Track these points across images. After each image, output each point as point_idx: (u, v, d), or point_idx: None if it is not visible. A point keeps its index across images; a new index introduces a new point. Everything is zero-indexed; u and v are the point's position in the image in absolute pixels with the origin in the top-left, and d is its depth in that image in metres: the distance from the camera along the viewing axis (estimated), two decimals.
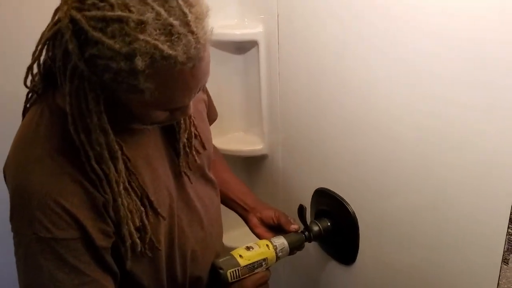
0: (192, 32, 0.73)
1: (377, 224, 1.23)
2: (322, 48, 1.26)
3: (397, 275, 1.21)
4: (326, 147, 1.34)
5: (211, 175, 1.17)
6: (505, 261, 0.92)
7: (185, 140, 1.04)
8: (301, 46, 1.35)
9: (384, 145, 1.13)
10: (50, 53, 0.81)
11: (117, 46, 0.70)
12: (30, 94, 0.91)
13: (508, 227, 0.89)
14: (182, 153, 1.04)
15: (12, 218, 0.86)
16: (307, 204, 1.41)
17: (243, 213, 1.32)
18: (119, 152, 0.85)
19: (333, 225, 1.32)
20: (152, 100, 0.78)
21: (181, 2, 0.73)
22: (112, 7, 0.70)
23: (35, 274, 0.86)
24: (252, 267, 1.12)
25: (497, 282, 0.94)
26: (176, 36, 0.72)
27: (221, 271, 1.09)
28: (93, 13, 0.71)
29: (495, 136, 0.88)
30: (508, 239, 0.90)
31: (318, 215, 1.39)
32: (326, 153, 1.35)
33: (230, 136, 1.78)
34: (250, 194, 1.35)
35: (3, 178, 0.91)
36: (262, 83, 1.58)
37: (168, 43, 0.72)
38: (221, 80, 1.65)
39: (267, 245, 1.18)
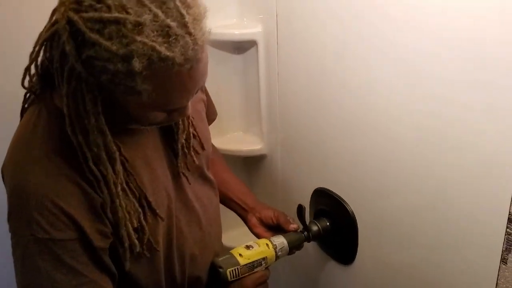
0: (190, 34, 0.73)
1: (376, 224, 1.23)
2: (321, 48, 1.26)
3: (396, 275, 1.21)
4: (325, 147, 1.34)
5: (209, 175, 1.17)
6: (503, 261, 0.92)
7: (183, 140, 1.04)
8: (300, 46, 1.35)
9: (383, 145, 1.13)
10: (47, 54, 0.81)
11: (114, 47, 0.70)
12: (28, 95, 0.91)
13: (507, 227, 0.89)
14: (180, 153, 1.04)
15: (9, 219, 0.86)
16: (306, 204, 1.41)
17: (242, 213, 1.32)
18: (117, 153, 0.85)
19: (332, 225, 1.32)
20: (150, 102, 0.77)
21: (178, 4, 0.73)
22: (109, 8, 0.70)
23: (33, 275, 0.86)
24: (251, 266, 1.12)
25: (495, 282, 0.94)
26: (173, 37, 0.72)
27: (220, 270, 1.09)
28: (90, 14, 0.70)
29: (495, 136, 0.88)
30: (506, 239, 0.90)
31: (317, 215, 1.39)
32: (325, 153, 1.35)
33: (229, 136, 1.78)
34: (249, 194, 1.35)
35: (1, 178, 0.91)
36: (261, 83, 1.58)
37: (165, 45, 0.71)
38: (220, 80, 1.65)
39: (266, 244, 1.18)
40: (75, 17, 0.71)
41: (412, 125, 1.04)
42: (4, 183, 0.89)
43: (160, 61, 0.72)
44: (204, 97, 1.18)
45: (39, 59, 0.83)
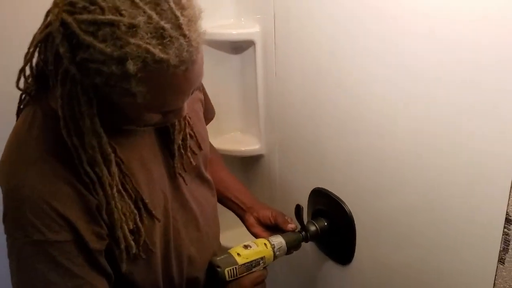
0: (184, 35, 0.73)
1: (374, 224, 1.23)
2: (319, 48, 1.26)
3: (394, 275, 1.21)
4: (323, 147, 1.34)
5: (207, 175, 1.17)
6: (501, 261, 0.92)
7: (180, 141, 1.03)
8: (297, 46, 1.35)
9: (380, 145, 1.13)
10: (42, 56, 0.81)
11: (108, 50, 0.70)
12: (23, 96, 0.90)
13: (504, 227, 0.89)
14: (177, 154, 1.03)
15: (5, 220, 0.86)
16: (304, 204, 1.41)
17: (240, 212, 1.32)
18: (112, 155, 0.85)
19: (330, 225, 1.32)
20: (145, 103, 0.77)
21: (172, 5, 0.72)
22: (103, 10, 0.69)
23: (28, 276, 0.85)
24: (249, 265, 1.12)
25: (493, 282, 0.94)
26: (168, 39, 0.71)
27: (218, 269, 1.09)
28: (84, 16, 0.70)
29: (492, 137, 0.88)
30: (504, 239, 0.90)
31: (315, 215, 1.39)
32: (322, 153, 1.35)
33: (227, 136, 1.78)
34: (247, 194, 1.34)
35: None
36: (259, 83, 1.58)
37: (160, 47, 0.71)
38: (217, 80, 1.65)
39: (265, 244, 1.18)
40: (69, 19, 0.70)
41: (408, 125, 1.04)
42: None
43: (154, 63, 0.71)
44: (202, 96, 1.18)
45: (34, 60, 0.83)
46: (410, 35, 0.98)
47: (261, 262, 1.15)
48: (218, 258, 1.11)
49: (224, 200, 1.32)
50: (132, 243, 0.91)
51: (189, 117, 1.06)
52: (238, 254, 1.12)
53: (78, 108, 0.78)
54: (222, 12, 1.61)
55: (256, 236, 1.27)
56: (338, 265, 1.40)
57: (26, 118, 0.87)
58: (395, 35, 1.01)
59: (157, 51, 0.71)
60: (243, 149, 1.72)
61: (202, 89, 1.19)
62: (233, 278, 1.10)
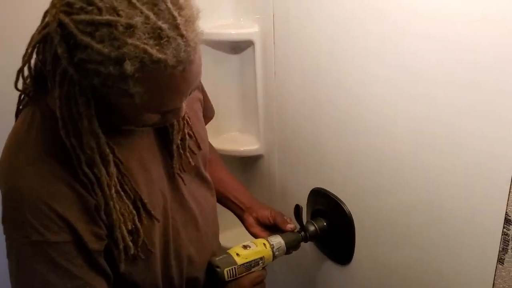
0: (182, 35, 0.72)
1: (373, 224, 1.23)
2: (318, 48, 1.26)
3: (393, 275, 1.21)
4: (322, 147, 1.34)
5: (206, 174, 1.17)
6: (500, 261, 0.92)
7: (178, 141, 1.03)
8: (296, 46, 1.35)
9: (379, 145, 1.13)
10: (40, 56, 0.80)
11: (106, 50, 0.69)
12: (22, 96, 0.90)
13: (503, 227, 0.89)
14: (175, 154, 1.03)
15: (4, 221, 0.86)
16: (303, 204, 1.41)
17: (239, 212, 1.32)
18: (111, 156, 0.85)
19: (329, 225, 1.32)
20: (143, 104, 0.77)
21: (170, 5, 0.72)
22: (100, 11, 0.69)
23: (27, 277, 0.85)
24: (249, 265, 1.12)
25: (492, 282, 0.94)
26: (165, 39, 0.71)
27: (218, 269, 1.09)
28: (82, 17, 0.70)
29: (491, 137, 0.88)
30: (503, 239, 0.90)
31: (314, 215, 1.39)
32: (322, 153, 1.35)
33: (226, 136, 1.78)
34: (246, 193, 1.34)
35: None
36: (258, 83, 1.58)
37: (157, 47, 0.71)
38: (217, 80, 1.65)
39: (264, 244, 1.18)
40: (66, 20, 0.70)
41: (407, 126, 1.04)
42: None
43: (152, 63, 0.71)
44: (201, 96, 1.18)
45: (33, 61, 0.83)
46: (410, 36, 0.97)
47: (260, 262, 1.15)
48: (217, 258, 1.11)
49: (223, 200, 1.32)
50: (130, 243, 0.91)
51: (188, 117, 1.05)
52: (237, 254, 1.12)
53: (76, 109, 0.78)
54: (221, 12, 1.61)
55: (255, 236, 1.27)
56: (337, 265, 1.40)
57: (25, 119, 0.87)
58: (395, 35, 1.01)
59: (154, 52, 0.70)
60: (242, 149, 1.72)
61: (201, 88, 1.19)
62: (232, 278, 1.10)
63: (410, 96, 1.01)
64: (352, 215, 1.28)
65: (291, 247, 1.24)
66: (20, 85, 0.87)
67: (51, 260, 0.84)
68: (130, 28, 0.69)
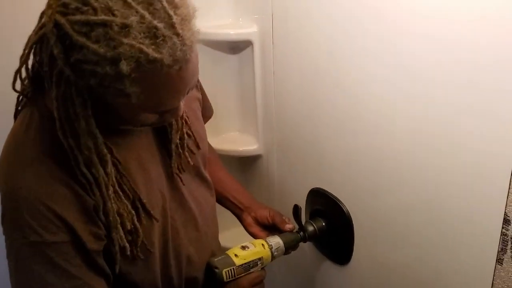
0: (178, 34, 0.72)
1: (372, 224, 1.23)
2: (317, 48, 1.26)
3: (392, 274, 1.21)
4: (321, 147, 1.34)
5: (206, 174, 1.17)
6: (499, 261, 0.92)
7: (177, 141, 1.03)
8: (295, 46, 1.35)
9: (378, 145, 1.13)
10: (37, 57, 0.80)
11: (101, 50, 0.69)
12: (20, 97, 0.90)
13: (502, 227, 0.89)
14: (174, 154, 1.03)
15: (3, 221, 0.86)
16: (302, 204, 1.41)
17: (238, 212, 1.32)
18: (108, 156, 0.85)
19: (328, 225, 1.32)
20: (140, 104, 0.77)
21: (165, 4, 0.72)
22: (95, 11, 0.69)
23: (26, 277, 0.85)
24: (247, 266, 1.12)
25: (491, 282, 0.94)
26: (161, 39, 0.71)
27: (216, 270, 1.09)
28: (77, 17, 0.70)
29: (490, 137, 0.88)
30: (502, 239, 0.90)
31: (313, 215, 1.39)
32: (320, 153, 1.35)
33: (225, 136, 1.78)
34: (245, 193, 1.34)
35: None
36: (257, 83, 1.58)
37: (153, 46, 0.71)
38: (215, 80, 1.65)
39: (262, 244, 1.18)
40: (62, 20, 0.70)
41: (407, 125, 1.04)
42: None
43: (148, 63, 0.71)
44: (200, 95, 1.18)
45: (30, 62, 0.83)
46: (409, 35, 0.97)
47: (259, 263, 1.15)
48: (215, 259, 1.11)
49: (222, 200, 1.32)
50: (127, 244, 0.91)
51: (187, 116, 1.05)
52: (236, 255, 1.12)
53: (73, 110, 0.78)
54: (220, 12, 1.61)
55: (254, 235, 1.27)
56: (336, 265, 1.40)
57: (24, 120, 0.87)
58: (394, 35, 1.01)
59: (150, 51, 0.70)
60: (241, 149, 1.72)
61: (200, 88, 1.19)
62: (231, 279, 1.10)
63: (409, 95, 1.01)
64: (351, 215, 1.28)
65: (289, 247, 1.24)
66: (18, 86, 0.87)
67: (50, 261, 0.84)
68: (125, 27, 0.69)
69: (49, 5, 0.73)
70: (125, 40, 0.69)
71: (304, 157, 1.44)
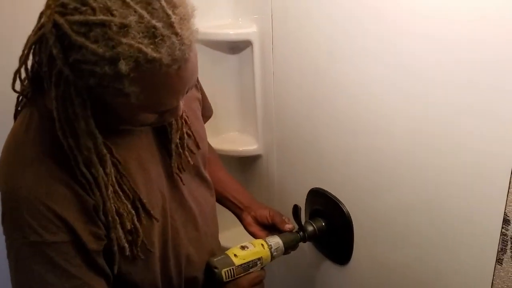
0: (176, 34, 0.72)
1: (372, 224, 1.23)
2: (317, 48, 1.26)
3: (392, 274, 1.21)
4: (321, 147, 1.34)
5: (206, 174, 1.17)
6: (499, 261, 0.92)
7: (177, 140, 1.03)
8: (295, 46, 1.35)
9: (378, 145, 1.13)
10: (37, 58, 0.81)
11: (100, 50, 0.69)
12: (20, 98, 0.90)
13: (502, 227, 0.89)
14: (174, 153, 1.03)
15: (3, 222, 0.86)
16: (302, 204, 1.41)
17: (238, 211, 1.32)
18: (108, 156, 0.85)
19: (328, 225, 1.32)
20: (139, 103, 0.77)
21: (164, 4, 0.72)
22: (94, 11, 0.69)
23: (26, 277, 0.86)
24: (247, 266, 1.12)
25: (491, 282, 0.94)
26: (159, 38, 0.71)
27: (215, 270, 1.09)
28: (76, 17, 0.70)
29: (490, 137, 0.88)
30: (502, 239, 0.90)
31: (312, 215, 1.39)
32: (320, 153, 1.35)
33: (225, 136, 1.78)
34: (244, 193, 1.34)
35: None
36: (256, 83, 1.57)
37: (152, 46, 0.71)
38: (215, 80, 1.65)
39: (262, 244, 1.18)
40: (61, 20, 0.70)
41: (407, 125, 1.04)
42: None
43: (147, 62, 0.71)
44: (199, 95, 1.18)
45: (29, 62, 0.83)
46: (409, 35, 0.97)
47: (258, 263, 1.15)
48: (215, 259, 1.11)
49: (222, 199, 1.32)
50: (126, 245, 0.91)
51: (187, 116, 1.05)
52: (235, 255, 1.12)
53: (72, 110, 0.78)
54: (220, 12, 1.61)
55: (253, 235, 1.27)
56: (336, 265, 1.40)
57: (23, 120, 0.87)
58: (394, 35, 1.01)
59: (149, 50, 0.70)
60: (240, 149, 1.72)
61: (200, 88, 1.19)
62: (230, 279, 1.10)
63: (409, 95, 1.01)
64: (351, 215, 1.28)
65: (289, 247, 1.24)
66: (18, 87, 0.87)
67: (50, 261, 0.84)
68: (124, 27, 0.69)
69: (48, 5, 0.73)
70: (124, 40, 0.69)
71: (304, 157, 1.44)
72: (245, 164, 1.79)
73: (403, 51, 1.00)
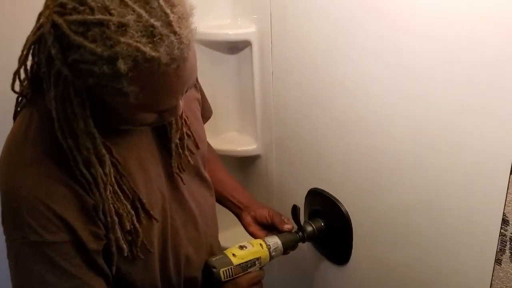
0: (175, 33, 0.72)
1: (371, 224, 1.23)
2: (316, 48, 1.26)
3: (391, 274, 1.21)
4: (320, 147, 1.34)
5: (206, 174, 1.17)
6: (498, 261, 0.92)
7: (177, 140, 1.03)
8: (294, 45, 1.35)
9: (377, 144, 1.13)
10: (36, 58, 0.81)
11: (98, 50, 0.69)
12: (20, 98, 0.90)
13: (501, 228, 0.89)
14: (174, 153, 1.03)
15: (3, 222, 0.86)
16: (301, 205, 1.41)
17: (237, 211, 1.32)
18: (107, 156, 0.85)
19: (327, 225, 1.32)
20: (138, 103, 0.77)
21: (162, 3, 0.72)
22: (92, 10, 0.69)
23: (26, 277, 0.86)
24: (245, 266, 1.12)
25: (490, 283, 0.94)
26: (158, 37, 0.71)
27: (214, 269, 1.09)
28: (74, 17, 0.70)
29: (489, 137, 0.88)
30: (501, 240, 0.90)
31: (311, 215, 1.39)
32: (319, 153, 1.35)
33: (224, 136, 1.78)
34: (244, 193, 1.35)
35: None
36: (256, 83, 1.57)
37: (150, 45, 0.71)
38: (214, 80, 1.64)
39: (260, 244, 1.18)
40: (59, 20, 0.70)
41: (407, 125, 1.04)
42: None
43: (145, 61, 0.71)
44: (199, 96, 1.18)
45: (29, 62, 0.83)
46: (408, 34, 0.97)
47: (257, 263, 1.15)
48: (213, 259, 1.11)
49: (221, 199, 1.32)
50: (124, 245, 0.91)
51: (186, 116, 1.05)
52: (234, 255, 1.12)
53: (71, 110, 0.78)
54: (219, 12, 1.61)
55: (252, 235, 1.27)
56: (335, 265, 1.40)
57: (23, 120, 0.87)
58: (393, 34, 1.01)
59: (147, 50, 0.70)
60: (239, 149, 1.71)
61: (199, 88, 1.19)
62: (229, 279, 1.10)
63: (409, 95, 1.01)
64: (350, 215, 1.28)
65: (288, 247, 1.24)
66: (17, 87, 0.87)
67: (50, 260, 0.84)
68: (122, 26, 0.69)
69: (46, 6, 0.73)
70: (122, 39, 0.69)
71: (303, 157, 1.44)
72: (244, 164, 1.79)
73: (403, 51, 0.99)
